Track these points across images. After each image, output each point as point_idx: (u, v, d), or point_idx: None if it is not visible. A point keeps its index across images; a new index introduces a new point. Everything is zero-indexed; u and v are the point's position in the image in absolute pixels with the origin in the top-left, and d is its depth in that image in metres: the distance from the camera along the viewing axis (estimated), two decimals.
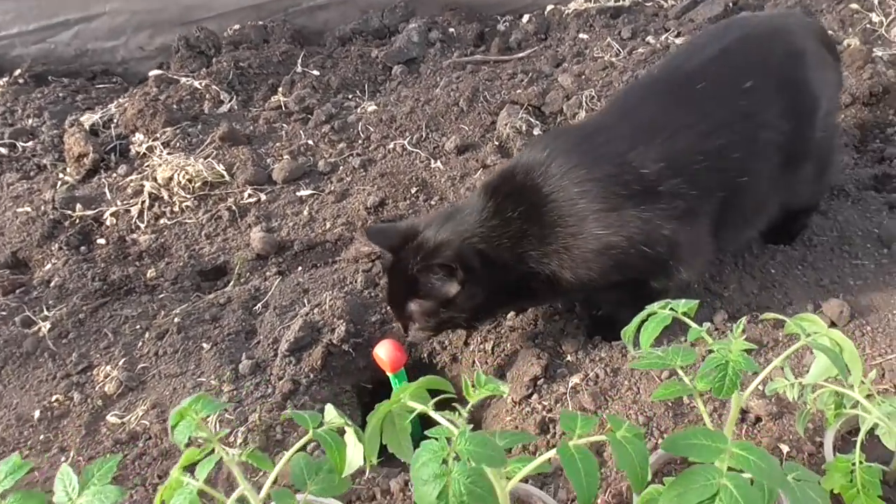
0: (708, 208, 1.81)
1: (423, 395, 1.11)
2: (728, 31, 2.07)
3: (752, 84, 1.85)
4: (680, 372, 1.27)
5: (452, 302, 1.73)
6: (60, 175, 2.71)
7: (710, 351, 1.13)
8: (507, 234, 1.73)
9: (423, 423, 1.10)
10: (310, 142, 2.85)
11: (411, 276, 1.71)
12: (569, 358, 1.90)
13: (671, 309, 1.19)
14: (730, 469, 0.98)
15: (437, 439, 0.93)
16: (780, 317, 1.25)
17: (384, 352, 1.74)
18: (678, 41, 3.26)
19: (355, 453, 1.12)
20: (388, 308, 1.83)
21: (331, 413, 1.13)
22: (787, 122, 1.87)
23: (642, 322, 1.22)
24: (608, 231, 1.69)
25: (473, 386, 1.08)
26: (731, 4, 3.59)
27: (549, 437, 1.68)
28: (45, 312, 2.11)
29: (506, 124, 2.73)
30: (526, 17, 3.79)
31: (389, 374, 1.78)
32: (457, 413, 0.99)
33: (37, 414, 1.80)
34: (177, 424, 1.03)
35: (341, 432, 1.12)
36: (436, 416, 1.04)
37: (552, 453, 1.02)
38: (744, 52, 1.95)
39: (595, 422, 1.05)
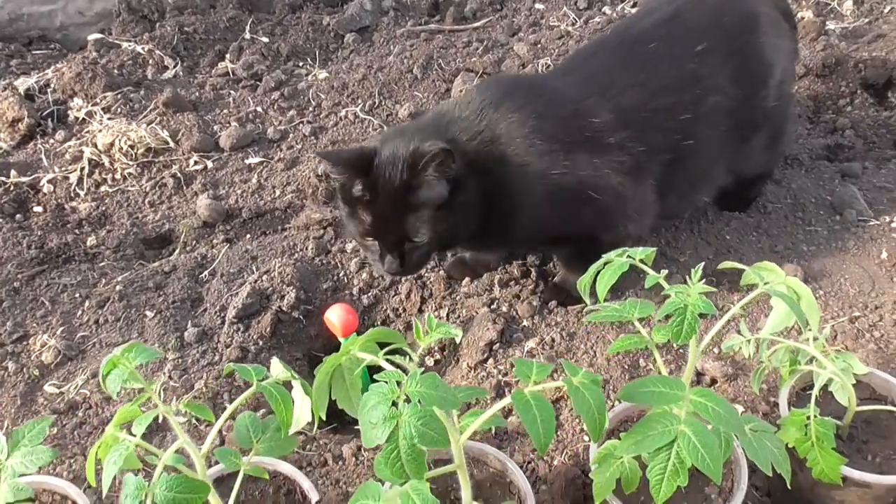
0: (654, 167, 1.82)
1: (372, 347, 1.08)
2: None
3: (704, 47, 1.85)
4: (637, 325, 1.26)
5: (447, 206, 1.65)
6: None
7: (668, 296, 1.12)
8: (479, 139, 1.71)
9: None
10: (258, 109, 2.77)
11: (397, 188, 1.62)
12: (525, 323, 1.89)
13: (628, 256, 1.17)
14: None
15: (386, 382, 0.89)
16: (739, 266, 1.25)
17: (335, 316, 1.70)
18: (634, 10, 3.26)
19: (303, 409, 1.09)
20: (370, 242, 1.70)
21: (277, 367, 1.09)
22: (738, 88, 1.89)
23: (598, 272, 1.20)
24: (559, 171, 1.69)
25: (425, 331, 1.04)
26: None
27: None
28: None
29: (461, 91, 2.69)
30: None
31: (341, 340, 1.74)
32: (407, 357, 0.95)
33: None
34: (108, 373, 0.97)
35: (288, 387, 1.08)
36: (386, 365, 1.01)
37: (507, 400, 1.00)
38: (697, 14, 1.94)
39: (550, 369, 1.03)
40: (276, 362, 1.09)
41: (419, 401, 0.86)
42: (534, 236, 1.87)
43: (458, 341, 1.85)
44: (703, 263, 1.22)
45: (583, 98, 1.77)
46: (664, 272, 1.18)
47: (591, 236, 1.82)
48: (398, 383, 0.89)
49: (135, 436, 0.99)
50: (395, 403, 0.87)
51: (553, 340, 1.82)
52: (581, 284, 1.24)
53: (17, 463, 1.04)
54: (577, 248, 1.86)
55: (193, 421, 1.58)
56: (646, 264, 1.18)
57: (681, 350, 1.74)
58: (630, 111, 1.77)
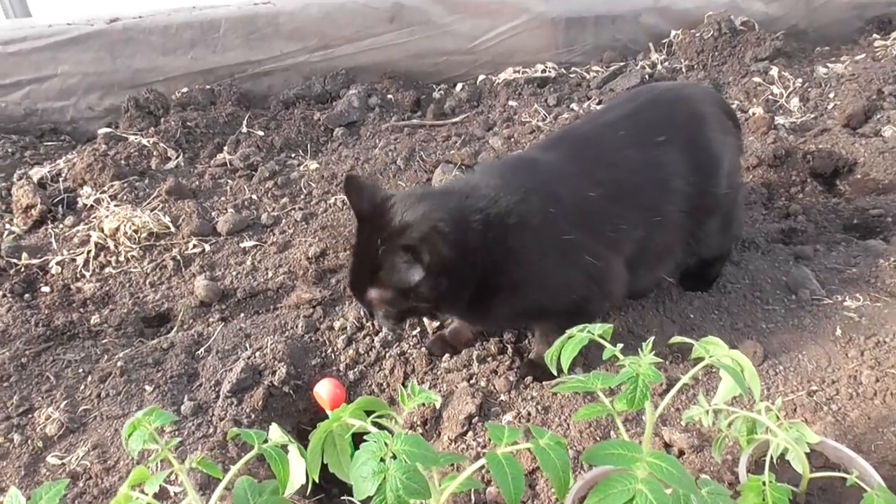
0: (629, 243, 1.97)
1: (360, 414, 1.22)
2: (638, 94, 2.29)
3: (663, 139, 2.04)
4: (600, 395, 1.39)
5: (415, 290, 1.64)
6: (7, 225, 2.75)
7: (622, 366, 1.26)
8: (484, 217, 1.72)
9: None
10: (254, 196, 2.96)
11: (374, 256, 1.61)
12: (502, 397, 2.00)
13: (588, 332, 1.32)
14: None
15: (375, 441, 1.03)
16: (688, 340, 1.38)
17: (324, 390, 1.82)
18: (599, 107, 3.53)
19: (298, 471, 1.21)
20: (350, 292, 1.72)
21: (275, 432, 1.22)
22: (693, 176, 2.07)
23: (563, 345, 1.35)
24: (564, 237, 1.82)
25: (409, 395, 1.19)
26: (647, 77, 3.92)
27: (483, 471, 1.74)
28: None
29: (440, 181, 2.90)
30: (459, 86, 4.05)
31: (329, 413, 1.86)
32: (393, 420, 1.09)
33: None
34: (131, 434, 1.11)
35: (284, 451, 1.21)
36: (373, 429, 1.15)
37: (481, 462, 1.13)
38: (654, 112, 2.15)
39: (520, 433, 1.16)
40: (274, 428, 1.22)
41: (405, 458, 1.00)
42: (527, 310, 1.92)
43: (438, 409, 1.96)
44: (653, 338, 1.35)
45: (577, 172, 1.92)
46: (619, 346, 1.32)
47: (577, 309, 1.91)
48: (385, 443, 1.03)
49: (146, 494, 1.11)
50: (383, 459, 1.01)
51: (529, 414, 1.94)
52: (548, 357, 1.38)
53: None
54: (560, 320, 1.82)
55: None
56: (604, 339, 1.33)
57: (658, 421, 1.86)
58: (612, 188, 1.91)
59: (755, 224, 2.72)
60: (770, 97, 3.60)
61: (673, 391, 1.36)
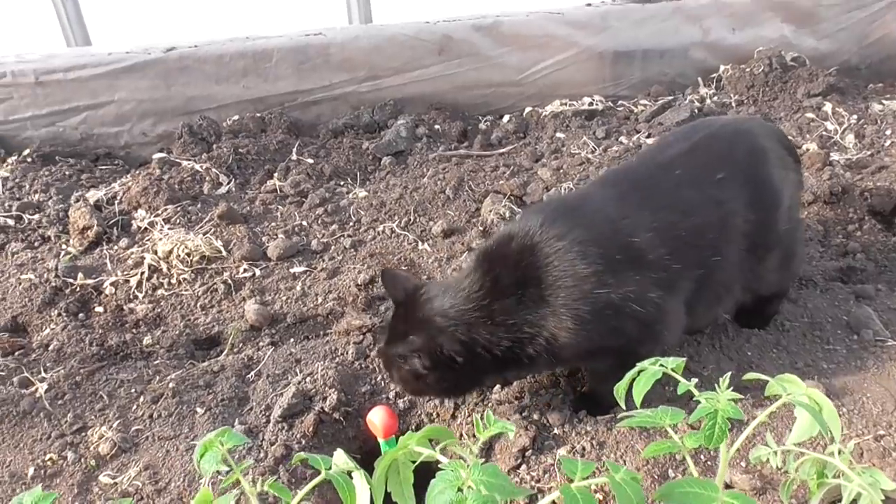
0: (686, 283, 1.93)
1: (425, 443, 1.20)
2: (695, 130, 2.25)
3: (722, 176, 2.01)
4: (669, 431, 1.35)
5: (422, 379, 1.80)
6: (64, 246, 2.81)
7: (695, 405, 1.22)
8: (500, 307, 1.75)
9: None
10: (303, 223, 2.99)
11: (400, 339, 1.78)
12: (556, 431, 1.96)
13: (661, 365, 1.29)
14: None
15: (452, 471, 1.01)
16: (763, 377, 1.34)
17: (378, 418, 1.80)
18: (649, 141, 3.51)
19: (362, 496, 1.19)
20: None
21: (340, 457, 1.20)
22: (752, 213, 2.03)
23: (633, 379, 1.31)
24: (606, 289, 1.75)
25: (484, 425, 1.17)
26: (696, 111, 3.89)
27: None
28: (43, 374, 2.16)
29: (490, 211, 2.90)
30: (506, 118, 4.07)
31: (381, 441, 1.84)
32: (467, 449, 1.07)
33: (30, 472, 1.82)
34: (203, 455, 1.10)
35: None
36: (442, 458, 1.13)
37: (555, 494, 1.10)
38: (712, 148, 2.12)
39: (594, 466, 1.13)
40: (339, 454, 1.21)
41: (482, 488, 0.97)
42: (574, 355, 1.89)
43: (490, 441, 1.92)
44: (730, 373, 1.31)
45: (621, 218, 1.88)
46: (694, 380, 1.28)
47: (629, 350, 1.84)
48: (461, 472, 1.00)
49: None
50: (460, 489, 0.98)
51: (584, 448, 1.89)
52: (617, 391, 1.35)
53: None
54: (613, 360, 1.86)
55: None
56: (676, 373, 1.29)
57: (708, 462, 1.80)
58: (665, 230, 1.87)
59: (812, 261, 2.66)
60: (824, 133, 3.54)
61: (749, 429, 1.32)
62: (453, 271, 2.61)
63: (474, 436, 2.03)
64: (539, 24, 4.09)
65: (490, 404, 2.10)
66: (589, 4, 4.37)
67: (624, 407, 1.39)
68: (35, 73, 3.67)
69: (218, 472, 1.79)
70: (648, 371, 1.31)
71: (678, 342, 2.09)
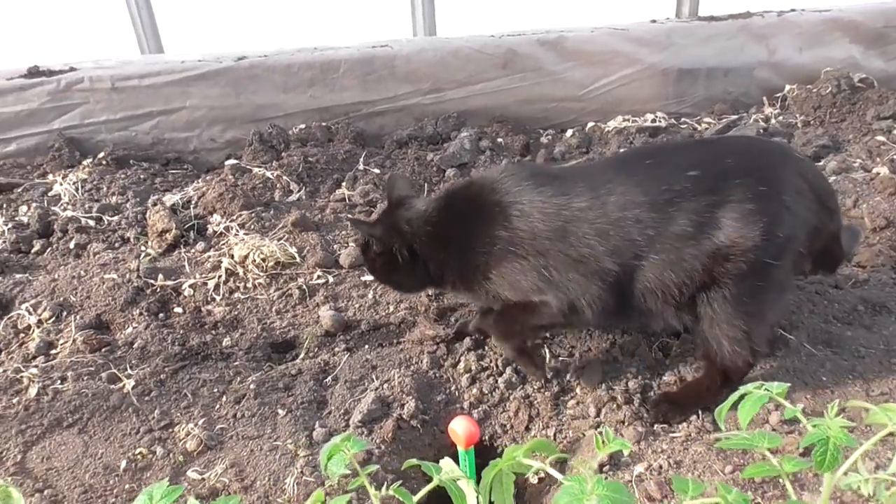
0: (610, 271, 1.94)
1: (529, 457, 1.22)
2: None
3: (695, 173, 1.88)
4: (768, 454, 1.35)
5: (373, 260, 2.13)
6: (143, 248, 2.89)
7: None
8: (445, 235, 2.04)
9: None
10: None
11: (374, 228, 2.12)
12: (632, 448, 1.97)
13: (766, 390, 1.29)
14: None
15: (576, 483, 1.02)
16: (867, 405, 1.33)
17: (460, 427, 1.81)
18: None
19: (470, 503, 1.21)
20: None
21: (448, 465, 1.23)
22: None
23: (735, 401, 1.31)
24: (524, 257, 1.93)
25: (604, 442, 1.18)
26: (761, 130, 3.86)
27: None
28: (129, 371, 2.22)
29: None
30: (570, 132, 4.08)
31: (460, 450, 1.86)
32: (587, 465, 1.08)
33: (122, 464, 1.88)
34: (331, 458, 1.13)
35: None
36: (553, 472, 1.14)
37: None
38: (708, 150, 2.08)
39: (704, 487, 1.14)
40: (447, 461, 1.23)
41: (607, 503, 0.98)
42: (481, 297, 2.12)
43: (625, 453, 1.91)
44: (837, 400, 1.31)
45: (578, 194, 1.95)
46: (800, 406, 1.28)
47: (531, 309, 2.06)
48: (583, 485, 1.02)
49: None
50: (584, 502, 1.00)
51: (661, 467, 1.88)
52: (719, 413, 1.35)
53: None
54: (507, 312, 2.12)
55: None
56: (780, 398, 1.29)
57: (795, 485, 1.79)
58: (614, 218, 1.94)
59: (885, 288, 2.61)
60: (895, 157, 3.49)
61: (856, 454, 1.30)
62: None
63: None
64: (603, 39, 4.11)
65: (565, 419, 2.11)
66: (654, 21, 4.38)
67: (722, 427, 1.39)
68: (111, 79, 3.80)
69: (302, 473, 1.85)
70: (754, 395, 1.31)
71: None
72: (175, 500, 1.14)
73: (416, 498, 1.18)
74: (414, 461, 1.24)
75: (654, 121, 4.10)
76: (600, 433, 1.26)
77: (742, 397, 1.33)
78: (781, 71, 4.33)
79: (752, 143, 2.12)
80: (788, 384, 1.33)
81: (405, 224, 2.06)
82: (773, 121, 4.05)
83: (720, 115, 4.18)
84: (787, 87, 4.27)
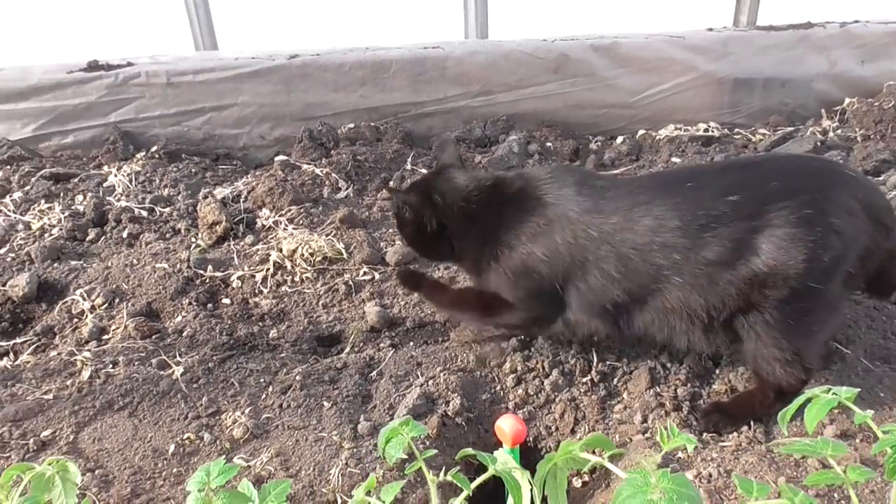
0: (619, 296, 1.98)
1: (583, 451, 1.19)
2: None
3: (735, 198, 1.83)
4: (832, 462, 1.30)
5: (404, 225, 2.16)
6: (193, 239, 2.93)
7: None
8: (477, 216, 2.05)
9: None
10: None
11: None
12: (680, 455, 1.92)
13: (833, 394, 1.24)
14: None
15: (640, 476, 0.99)
16: None
17: (507, 425, 1.79)
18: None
19: (525, 495, 1.19)
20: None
21: (502, 456, 1.21)
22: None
23: (801, 405, 1.27)
24: (539, 263, 1.97)
25: (668, 436, 1.15)
26: (818, 143, 3.76)
27: None
28: (178, 358, 2.25)
29: None
30: (620, 139, 4.03)
31: (506, 448, 1.83)
32: (650, 458, 1.05)
33: (171, 448, 1.90)
34: (389, 441, 1.12)
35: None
36: (611, 466, 1.12)
37: None
38: (751, 172, 1.96)
39: (768, 490, 1.10)
40: (501, 453, 1.21)
41: (674, 497, 0.95)
42: (489, 286, 2.16)
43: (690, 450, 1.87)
44: None
45: (611, 213, 1.95)
46: (869, 412, 1.23)
47: (519, 314, 2.19)
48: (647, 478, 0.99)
49: (383, 502, 1.12)
50: (648, 495, 0.97)
51: (710, 475, 1.84)
52: (783, 416, 1.31)
53: None
54: (511, 306, 2.17)
55: None
56: (849, 402, 1.24)
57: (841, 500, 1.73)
58: (632, 236, 1.95)
59: None
60: None
61: None
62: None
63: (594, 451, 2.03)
64: (658, 46, 4.06)
65: (612, 423, 2.07)
66: (710, 29, 4.31)
67: (785, 432, 1.35)
68: (167, 74, 3.87)
69: (347, 465, 1.84)
70: (821, 399, 1.26)
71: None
72: (230, 478, 1.13)
73: (474, 484, 1.17)
74: (469, 451, 1.22)
75: (706, 130, 4.03)
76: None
77: (808, 401, 1.29)
78: (842, 83, 4.22)
79: (801, 163, 2.03)
80: (858, 388, 1.28)
81: (439, 196, 2.08)
82: (831, 134, 3.95)
83: (775, 127, 4.09)
84: (847, 100, 4.16)
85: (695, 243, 1.83)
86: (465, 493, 1.14)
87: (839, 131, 4.00)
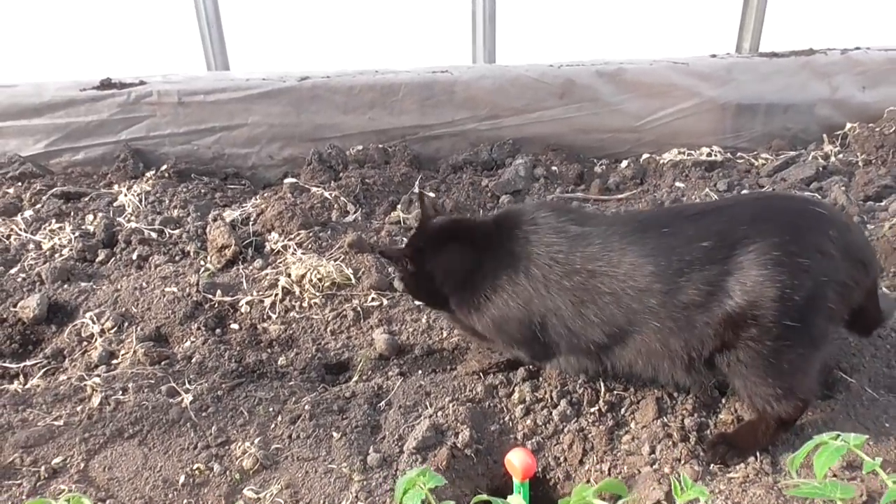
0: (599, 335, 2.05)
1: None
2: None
3: (708, 244, 1.88)
4: None
5: (407, 279, 2.25)
6: (202, 262, 2.95)
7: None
8: (469, 263, 2.11)
9: None
10: None
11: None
12: (708, 496, 1.93)
13: (842, 441, 1.26)
14: None
15: None
16: None
17: (517, 459, 1.79)
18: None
19: None
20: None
21: (517, 501, 1.22)
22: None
23: (809, 451, 1.28)
24: (519, 307, 2.04)
25: (682, 489, 1.16)
26: (821, 168, 3.79)
27: None
28: (187, 385, 2.26)
29: None
30: (624, 163, 4.05)
31: (516, 482, 1.84)
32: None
33: (181, 479, 1.91)
34: (406, 492, 1.14)
35: None
36: None
37: None
38: (724, 213, 1.98)
39: None
40: (516, 498, 1.23)
41: None
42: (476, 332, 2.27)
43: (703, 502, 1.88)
44: None
45: (591, 253, 2.02)
46: (879, 460, 1.25)
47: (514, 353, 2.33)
48: None
49: None
50: None
51: None
52: (792, 461, 1.33)
53: None
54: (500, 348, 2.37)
55: None
56: (857, 450, 1.26)
57: None
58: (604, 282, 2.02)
59: None
60: None
61: None
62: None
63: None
64: (662, 72, 4.10)
65: (620, 455, 2.08)
66: (714, 55, 4.35)
67: (795, 476, 1.37)
68: (179, 93, 3.90)
69: (357, 498, 1.85)
70: (831, 446, 1.28)
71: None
72: None
73: None
74: (484, 497, 1.23)
75: (709, 154, 4.06)
76: (677, 478, 1.24)
77: (817, 447, 1.31)
78: (843, 109, 4.26)
79: (774, 205, 2.06)
80: (866, 436, 1.30)
81: (420, 251, 2.17)
82: (832, 159, 3.98)
83: (778, 152, 4.12)
84: (849, 125, 4.19)
85: (670, 288, 1.89)
86: None
87: (840, 156, 4.03)
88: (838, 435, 1.29)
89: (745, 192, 3.63)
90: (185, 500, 1.85)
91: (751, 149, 4.23)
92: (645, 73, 4.10)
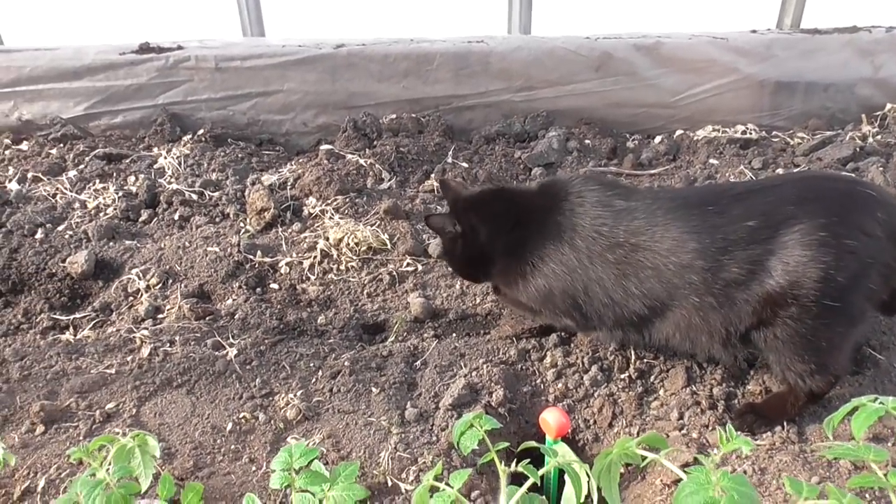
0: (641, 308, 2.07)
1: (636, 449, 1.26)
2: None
3: (753, 224, 1.91)
4: (874, 466, 1.35)
5: (453, 242, 2.24)
6: (242, 224, 3.02)
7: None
8: (512, 228, 2.14)
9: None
10: None
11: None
12: (715, 451, 1.98)
13: (881, 403, 1.29)
14: None
15: (701, 475, 1.06)
16: None
17: (552, 417, 1.86)
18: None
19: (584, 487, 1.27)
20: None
21: (563, 449, 1.28)
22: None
23: (847, 413, 1.32)
24: (565, 275, 2.07)
25: (727, 438, 1.21)
26: (858, 149, 3.76)
27: None
28: (231, 340, 2.34)
29: None
30: (658, 139, 4.05)
31: (549, 440, 1.90)
32: (710, 458, 1.12)
33: (229, 426, 1.99)
34: (463, 433, 1.20)
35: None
36: (667, 463, 1.18)
37: None
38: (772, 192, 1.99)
39: (818, 490, 1.16)
40: (563, 446, 1.28)
41: (734, 495, 1.02)
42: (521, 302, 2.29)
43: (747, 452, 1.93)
44: None
45: (633, 222, 2.05)
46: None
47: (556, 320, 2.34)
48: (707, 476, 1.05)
49: (451, 487, 1.19)
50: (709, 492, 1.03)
51: (745, 472, 1.89)
52: (829, 424, 1.36)
53: (338, 495, 1.25)
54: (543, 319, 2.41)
55: None
56: (894, 413, 1.29)
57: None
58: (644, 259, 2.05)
59: None
60: None
61: None
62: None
63: None
64: (701, 47, 4.07)
65: (649, 419, 2.13)
66: (754, 31, 4.30)
67: (830, 436, 1.40)
68: (216, 59, 3.95)
69: (396, 449, 1.92)
70: (869, 408, 1.31)
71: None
72: (310, 460, 1.21)
73: (540, 472, 1.24)
74: (532, 443, 1.29)
75: (744, 132, 4.04)
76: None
77: (855, 409, 1.34)
78: (885, 88, 4.21)
79: (821, 185, 2.06)
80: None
81: (469, 217, 2.19)
82: (870, 139, 3.94)
83: (814, 131, 4.09)
84: (889, 106, 4.15)
85: (711, 265, 1.91)
86: (530, 481, 1.21)
87: (879, 137, 4.00)
88: (876, 398, 1.33)
89: (779, 171, 3.62)
90: (232, 446, 1.94)
91: (787, 127, 4.20)
92: (683, 48, 4.08)
